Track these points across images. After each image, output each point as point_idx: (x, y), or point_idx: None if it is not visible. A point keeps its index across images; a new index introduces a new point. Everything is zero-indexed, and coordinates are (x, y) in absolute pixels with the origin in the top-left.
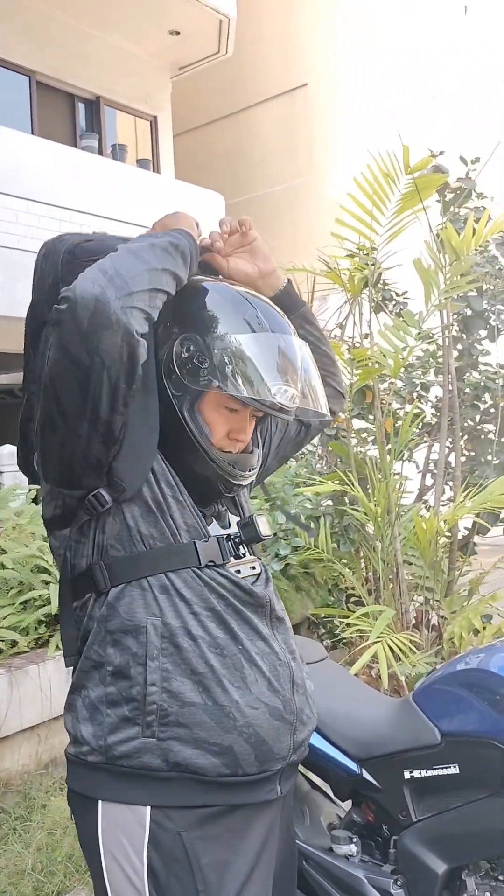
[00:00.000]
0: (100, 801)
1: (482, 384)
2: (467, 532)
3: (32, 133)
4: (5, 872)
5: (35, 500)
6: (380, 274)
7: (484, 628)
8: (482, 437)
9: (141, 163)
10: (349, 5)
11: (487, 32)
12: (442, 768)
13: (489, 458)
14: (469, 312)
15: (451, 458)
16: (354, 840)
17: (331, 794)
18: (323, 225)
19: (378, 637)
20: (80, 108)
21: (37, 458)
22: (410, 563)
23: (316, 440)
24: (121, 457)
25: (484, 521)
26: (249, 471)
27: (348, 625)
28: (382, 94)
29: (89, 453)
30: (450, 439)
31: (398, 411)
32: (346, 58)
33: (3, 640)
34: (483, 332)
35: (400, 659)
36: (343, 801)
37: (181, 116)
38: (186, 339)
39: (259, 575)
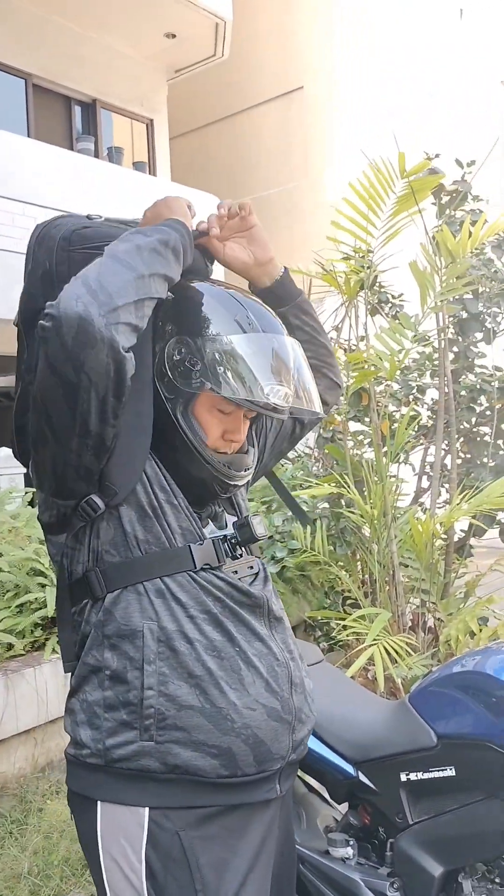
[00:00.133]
0: (99, 802)
1: (478, 387)
2: (463, 534)
3: (29, 136)
4: (1, 876)
5: (31, 503)
6: (376, 276)
7: (480, 630)
8: (478, 439)
9: (137, 166)
10: (347, 4)
11: (483, 34)
12: (438, 771)
13: (485, 460)
14: (465, 315)
15: (447, 461)
16: (351, 843)
17: (327, 796)
18: (319, 227)
19: (374, 639)
20: (77, 110)
21: (31, 468)
22: (407, 566)
23: (312, 442)
24: (111, 461)
25: (480, 523)
26: (245, 470)
27: (345, 627)
28: (380, 92)
29: (80, 465)
30: (446, 442)
31: (394, 414)
32: (344, 57)
33: None
34: (479, 335)
35: (396, 661)
36: (339, 804)
37: (177, 119)
38: (178, 341)
39: (257, 574)
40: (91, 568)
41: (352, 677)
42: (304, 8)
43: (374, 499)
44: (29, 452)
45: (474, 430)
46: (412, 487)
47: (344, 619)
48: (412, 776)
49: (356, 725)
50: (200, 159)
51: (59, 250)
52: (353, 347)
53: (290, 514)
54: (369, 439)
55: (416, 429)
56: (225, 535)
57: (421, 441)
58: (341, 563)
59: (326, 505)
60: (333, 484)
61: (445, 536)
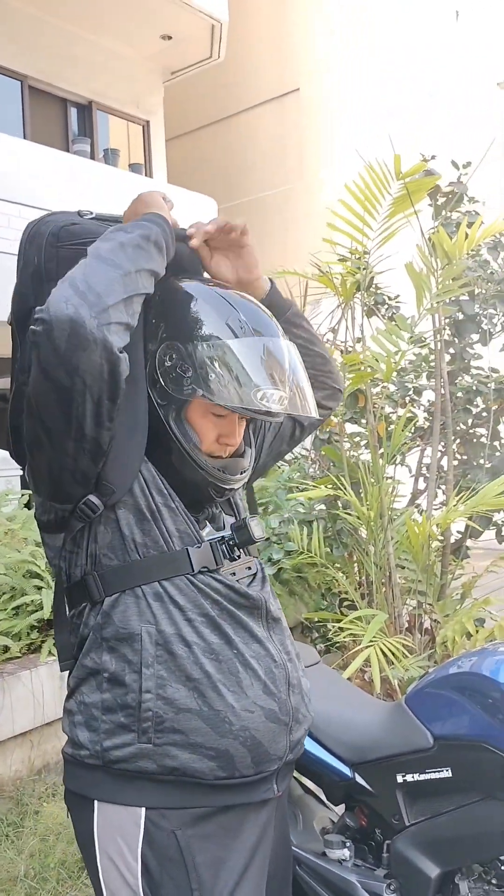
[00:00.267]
0: (95, 801)
1: (474, 388)
2: (460, 536)
3: (24, 137)
4: None
5: (28, 506)
6: (372, 278)
7: (477, 632)
8: (474, 440)
9: (133, 167)
10: (343, 5)
11: (480, 35)
12: (434, 772)
13: (481, 461)
14: (461, 316)
15: (444, 462)
16: (347, 844)
17: (324, 798)
18: (315, 229)
19: (371, 641)
20: (73, 112)
21: (27, 472)
22: (403, 567)
23: (309, 444)
24: (108, 460)
25: (476, 524)
26: (241, 473)
27: (341, 629)
28: (379, 93)
29: (77, 469)
30: (442, 443)
31: (391, 415)
32: (340, 59)
33: None
34: (475, 336)
35: (393, 663)
36: (336, 806)
37: (173, 121)
38: (169, 347)
39: (255, 575)
40: (89, 572)
41: (348, 679)
42: (300, 10)
43: (370, 500)
44: (25, 453)
45: (471, 431)
46: (409, 489)
47: (340, 621)
48: (409, 777)
49: (353, 727)
50: (196, 161)
51: (48, 247)
52: (350, 349)
53: (286, 515)
54: (366, 441)
55: (412, 430)
56: (223, 537)
57: (417, 442)
58: (338, 565)
59: (323, 507)
60: (330, 486)
61: (442, 538)
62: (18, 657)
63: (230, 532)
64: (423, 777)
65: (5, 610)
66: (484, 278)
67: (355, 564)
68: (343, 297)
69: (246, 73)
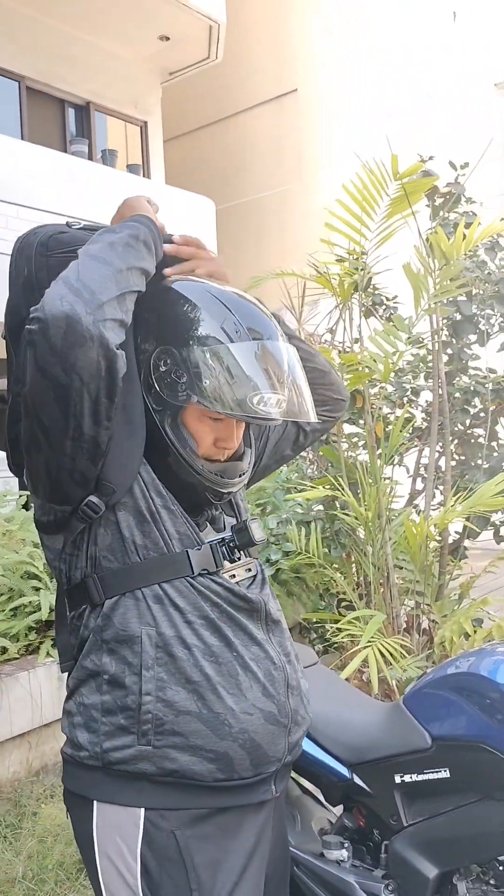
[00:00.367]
0: (95, 802)
1: (472, 388)
2: (458, 536)
3: (22, 138)
4: None
5: (25, 507)
6: (370, 278)
7: (475, 632)
8: (472, 441)
9: (131, 168)
10: (340, 6)
11: (477, 36)
12: (433, 772)
13: (479, 462)
14: (458, 317)
15: (442, 463)
16: (345, 845)
17: (322, 799)
18: (313, 230)
19: (369, 641)
20: (70, 113)
21: (26, 475)
22: (401, 568)
23: None
24: (107, 459)
25: (474, 525)
26: (240, 476)
27: (339, 629)
28: (377, 94)
29: (75, 469)
30: (440, 444)
31: (388, 416)
32: (338, 60)
33: None
34: (473, 337)
35: (391, 663)
36: (334, 806)
37: (171, 122)
38: (163, 352)
39: (255, 577)
40: (89, 574)
41: (346, 679)
42: (298, 11)
43: (368, 501)
44: (20, 465)
45: (468, 431)
46: (406, 489)
47: (338, 622)
48: (406, 778)
49: (351, 728)
50: (194, 162)
51: (38, 256)
52: (348, 350)
53: (285, 516)
54: (364, 441)
55: (410, 431)
56: (223, 539)
57: (415, 443)
58: (336, 566)
59: (321, 507)
60: (328, 486)
61: (440, 538)
62: (16, 658)
63: (230, 534)
64: (421, 777)
65: (3, 611)
66: (481, 279)
67: (353, 565)
68: (341, 298)
69: (244, 73)
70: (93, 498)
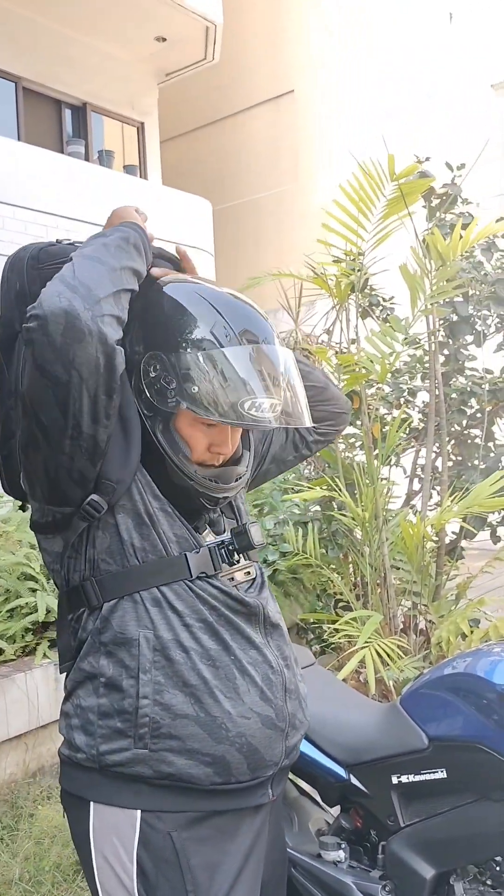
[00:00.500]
0: (91, 803)
1: (468, 389)
2: (455, 536)
3: (19, 139)
4: None
5: (22, 508)
6: (366, 279)
7: (471, 632)
8: (469, 441)
9: (128, 169)
10: (337, 7)
11: (474, 37)
12: (429, 773)
13: (476, 462)
14: (455, 318)
15: (438, 463)
16: (343, 846)
17: (319, 800)
18: (309, 231)
19: (366, 642)
20: (67, 113)
21: (23, 478)
22: (398, 568)
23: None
24: (105, 457)
25: (469, 526)
26: (236, 480)
27: (336, 630)
28: (377, 93)
29: (74, 469)
30: (437, 444)
31: (385, 416)
32: (335, 60)
33: None
34: (469, 338)
35: (388, 664)
36: (331, 807)
37: (168, 122)
38: (152, 357)
39: (254, 580)
40: (87, 577)
41: (343, 680)
42: (295, 12)
43: (365, 501)
44: (15, 482)
45: (465, 432)
46: (403, 490)
47: (336, 622)
48: (403, 778)
49: (348, 728)
50: (191, 163)
51: (29, 269)
52: (344, 350)
53: (282, 517)
54: (360, 442)
55: (407, 431)
56: (222, 542)
57: (412, 443)
58: (333, 566)
59: (318, 508)
60: (325, 487)
61: (437, 539)
62: (13, 660)
63: (230, 537)
64: (417, 778)
65: (0, 612)
66: (478, 280)
67: (350, 565)
68: (338, 299)
69: (241, 74)
70: (95, 497)
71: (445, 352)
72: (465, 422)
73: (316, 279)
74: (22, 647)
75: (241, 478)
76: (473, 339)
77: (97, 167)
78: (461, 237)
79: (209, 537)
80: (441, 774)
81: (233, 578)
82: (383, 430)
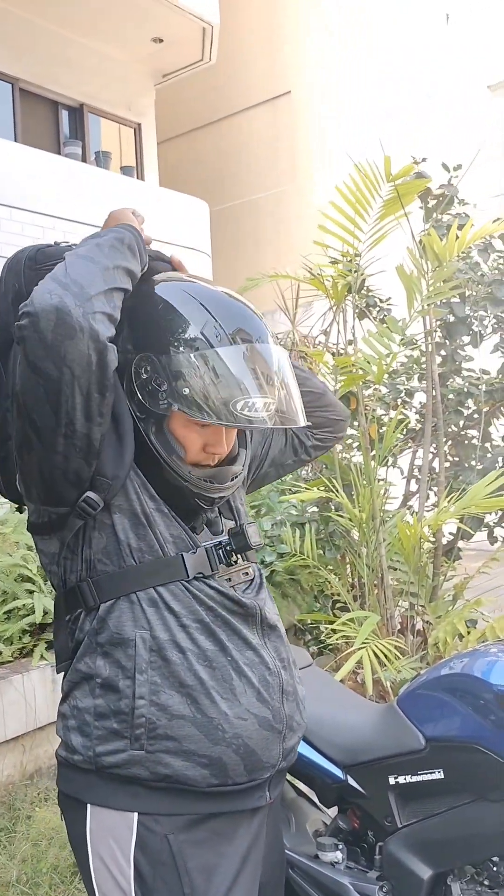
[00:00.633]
0: (88, 805)
1: (465, 390)
2: (452, 537)
3: (16, 140)
4: None
5: (19, 510)
6: (363, 280)
7: (468, 633)
8: (466, 442)
9: (125, 170)
10: (335, 8)
11: (476, 37)
12: (427, 773)
13: (473, 463)
14: (452, 318)
15: (436, 464)
16: (340, 847)
17: (316, 800)
18: (307, 231)
19: (363, 643)
20: (64, 115)
21: (19, 480)
22: (395, 569)
23: None
24: (100, 456)
25: (466, 527)
26: (232, 480)
27: (334, 631)
28: (377, 93)
29: (69, 469)
30: (434, 445)
31: (382, 417)
32: (332, 61)
33: None
34: (466, 338)
35: (385, 664)
36: (328, 808)
37: (165, 123)
38: (143, 359)
39: (252, 581)
40: (84, 578)
41: (341, 681)
42: (292, 13)
43: (362, 502)
44: (11, 485)
45: (462, 433)
46: (400, 491)
47: (333, 623)
48: (401, 779)
49: (345, 729)
50: (189, 164)
51: (27, 270)
52: (342, 351)
53: (279, 517)
54: (358, 443)
55: (404, 432)
56: (220, 542)
57: (409, 444)
58: (330, 567)
59: (315, 509)
60: (322, 488)
61: (434, 539)
62: (10, 661)
63: (227, 537)
64: (415, 779)
65: None
66: (474, 280)
67: (347, 566)
68: (334, 300)
69: (238, 75)
70: (90, 494)
71: (442, 352)
72: (461, 422)
73: (313, 280)
74: (19, 648)
75: (236, 477)
76: (470, 340)
77: (94, 168)
78: (457, 238)
79: (207, 538)
80: (438, 775)
81: (230, 579)
82: (380, 430)
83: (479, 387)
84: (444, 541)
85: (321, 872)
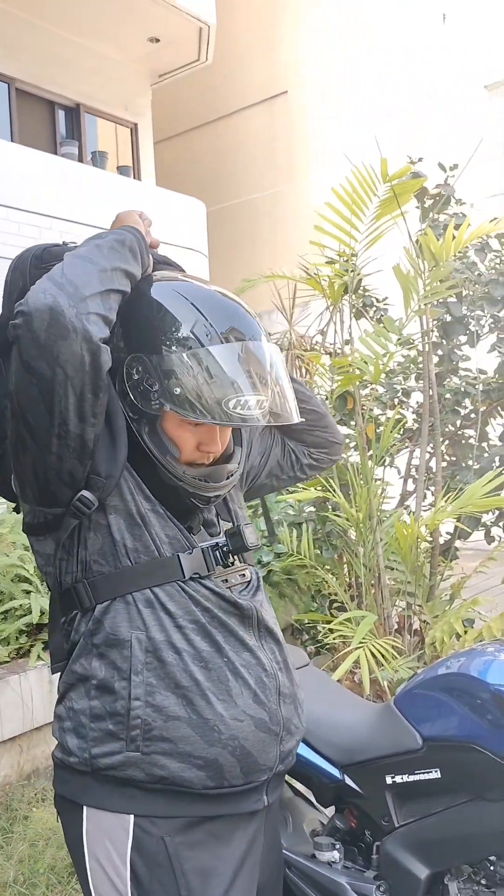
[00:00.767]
0: (85, 807)
1: (462, 389)
2: (449, 537)
3: (12, 140)
4: None
5: (16, 510)
6: (360, 280)
7: (465, 632)
8: (463, 442)
9: (121, 170)
10: (332, 9)
11: (474, 37)
12: (424, 773)
13: (470, 462)
14: (448, 318)
15: (433, 464)
16: (337, 846)
17: (313, 800)
18: (303, 232)
19: (360, 642)
20: (60, 115)
21: (13, 480)
22: (392, 569)
23: None
24: (94, 456)
25: (464, 526)
26: (228, 478)
27: (331, 630)
28: (377, 93)
29: (63, 469)
30: (431, 444)
31: (379, 417)
32: (329, 61)
33: None
34: (463, 338)
35: (382, 664)
36: (326, 808)
37: (162, 123)
38: (134, 359)
39: (249, 583)
40: (80, 579)
41: (338, 680)
42: (288, 13)
43: (359, 502)
44: (7, 483)
45: (459, 432)
46: (397, 490)
47: (330, 623)
48: (398, 779)
49: (342, 729)
50: (185, 164)
51: (32, 269)
52: (338, 351)
53: (276, 517)
54: (354, 443)
55: (401, 432)
56: (217, 543)
57: (406, 444)
58: (327, 567)
59: (312, 509)
60: (319, 488)
61: (431, 539)
62: (7, 662)
63: (224, 538)
64: (412, 778)
65: None
66: (471, 280)
67: (345, 566)
68: (331, 300)
69: (234, 75)
70: (85, 493)
71: (439, 352)
72: (459, 422)
73: (309, 280)
74: (16, 649)
75: (232, 475)
76: (467, 340)
77: (91, 168)
78: (454, 237)
79: (204, 539)
80: (435, 774)
81: (227, 580)
82: (377, 430)
83: (476, 386)
84: (441, 540)
85: (318, 872)
